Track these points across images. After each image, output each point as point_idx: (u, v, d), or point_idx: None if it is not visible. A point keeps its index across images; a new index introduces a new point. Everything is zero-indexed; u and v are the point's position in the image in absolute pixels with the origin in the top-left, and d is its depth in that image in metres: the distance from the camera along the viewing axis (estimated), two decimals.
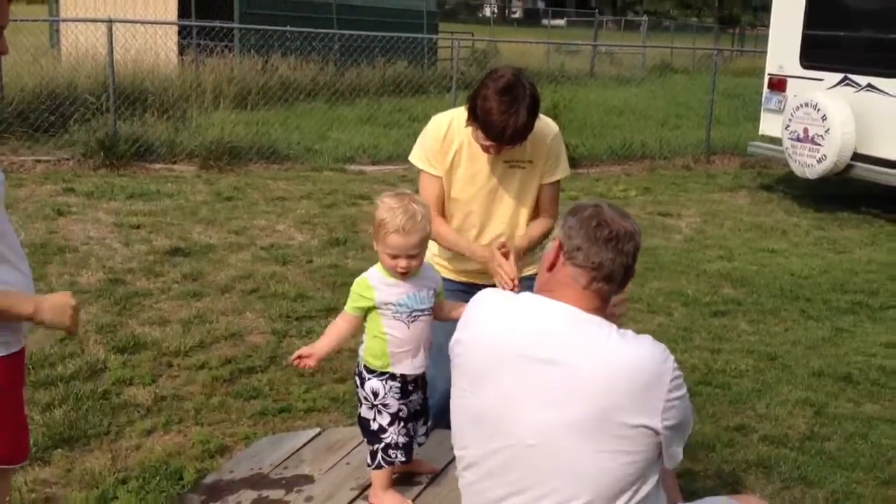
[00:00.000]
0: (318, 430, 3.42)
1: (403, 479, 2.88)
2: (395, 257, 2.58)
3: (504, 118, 2.93)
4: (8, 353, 2.11)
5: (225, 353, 4.83)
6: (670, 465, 2.12)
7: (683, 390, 2.04)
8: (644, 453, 2.00)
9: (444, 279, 2.94)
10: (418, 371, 2.71)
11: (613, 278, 2.10)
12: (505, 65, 3.21)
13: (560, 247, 2.14)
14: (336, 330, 2.71)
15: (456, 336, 2.25)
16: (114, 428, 3.96)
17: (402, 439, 2.73)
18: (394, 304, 2.63)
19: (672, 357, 2.02)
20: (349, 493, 2.91)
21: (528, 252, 3.27)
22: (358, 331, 2.70)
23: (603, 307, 2.12)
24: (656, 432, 1.98)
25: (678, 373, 2.02)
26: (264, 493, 2.90)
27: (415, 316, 2.65)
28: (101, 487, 3.44)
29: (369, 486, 2.88)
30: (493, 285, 2.97)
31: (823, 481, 3.78)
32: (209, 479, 3.06)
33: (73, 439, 3.82)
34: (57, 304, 2.10)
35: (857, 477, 3.83)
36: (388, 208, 2.57)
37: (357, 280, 2.70)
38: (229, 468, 3.12)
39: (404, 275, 2.62)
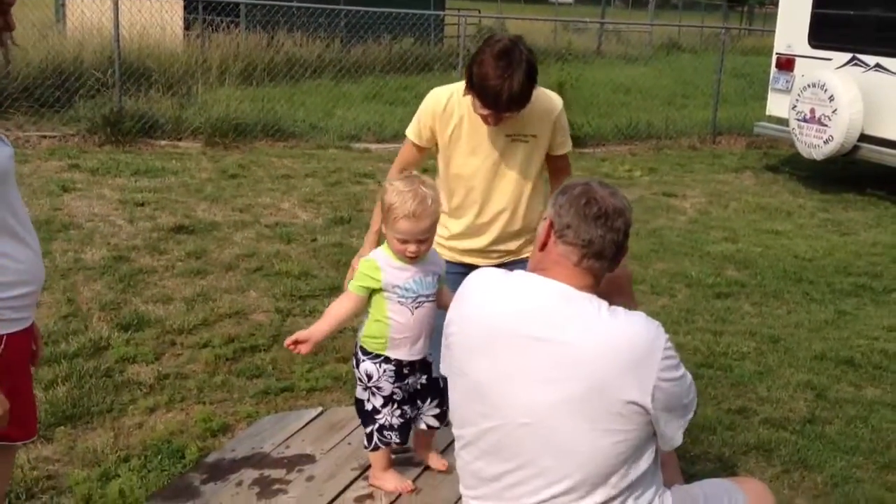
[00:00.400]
0: (319, 409, 3.43)
1: (405, 461, 2.90)
2: (404, 242, 2.57)
3: (499, 83, 2.89)
4: (18, 330, 2.12)
5: (228, 332, 4.85)
6: (666, 448, 2.12)
7: (679, 371, 2.04)
8: (635, 432, 2.00)
9: (446, 262, 2.93)
10: (415, 357, 2.70)
11: (604, 255, 2.11)
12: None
13: (551, 225, 2.15)
14: (337, 310, 2.69)
15: (449, 315, 2.26)
16: (116, 406, 3.98)
17: (395, 421, 2.74)
18: (400, 288, 2.62)
19: (665, 335, 2.03)
20: (350, 472, 2.93)
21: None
22: (361, 311, 2.69)
23: (595, 284, 2.13)
24: (646, 410, 1.98)
25: (671, 352, 2.02)
26: (266, 472, 2.92)
27: (419, 302, 2.63)
28: (102, 465, 3.47)
29: (371, 466, 2.89)
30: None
31: (823, 465, 3.79)
32: (211, 457, 3.08)
33: (76, 417, 3.84)
34: None
35: (857, 461, 3.84)
36: (397, 192, 2.55)
37: (363, 260, 2.69)
38: (231, 447, 3.14)
39: (413, 259, 2.62)
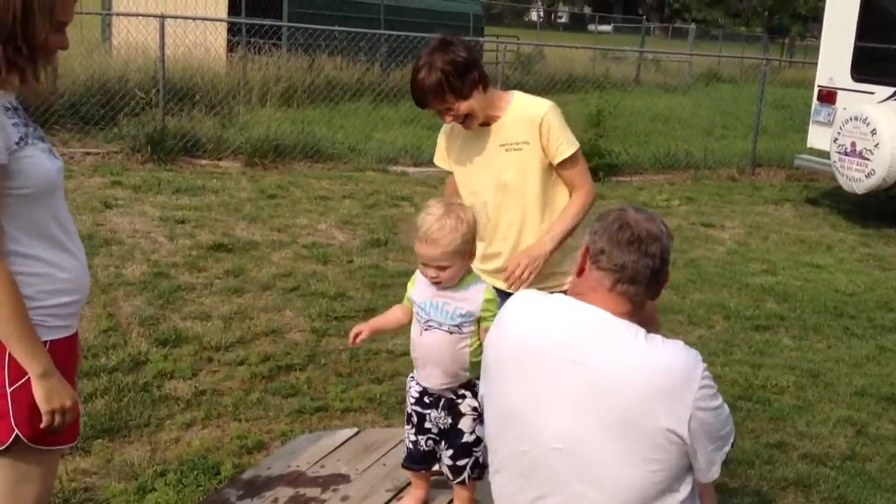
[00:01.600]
0: (355, 429, 3.45)
1: (441, 482, 2.89)
2: (424, 265, 2.58)
3: (414, 78, 2.99)
4: (63, 337, 2.16)
5: (264, 350, 4.88)
6: (703, 480, 2.10)
7: (717, 401, 2.02)
8: (671, 461, 1.98)
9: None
10: (427, 384, 2.69)
11: (638, 280, 2.09)
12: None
13: (587, 251, 2.15)
14: (390, 312, 2.83)
15: (487, 337, 2.29)
16: (154, 420, 4.01)
17: (408, 443, 2.78)
18: (417, 305, 2.66)
19: (703, 364, 2.01)
20: (385, 493, 2.93)
21: (569, 235, 3.16)
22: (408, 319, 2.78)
23: (633, 311, 2.11)
24: (682, 439, 1.96)
25: (709, 381, 2.00)
26: (301, 490, 2.93)
27: (429, 325, 2.63)
28: (139, 479, 3.49)
29: (406, 486, 2.90)
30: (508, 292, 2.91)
31: (863, 502, 3.72)
32: (247, 474, 3.09)
33: (114, 430, 3.88)
34: (61, 390, 2.08)
35: None
36: (426, 213, 2.58)
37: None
38: (267, 464, 3.16)
39: (436, 284, 2.61)
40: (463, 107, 3.01)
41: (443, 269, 2.56)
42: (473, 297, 2.64)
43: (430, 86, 2.95)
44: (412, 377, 2.79)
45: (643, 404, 1.95)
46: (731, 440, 2.11)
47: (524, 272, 3.04)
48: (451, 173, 3.34)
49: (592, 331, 2.06)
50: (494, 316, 2.54)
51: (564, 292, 3.14)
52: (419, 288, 2.68)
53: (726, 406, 2.07)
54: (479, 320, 2.62)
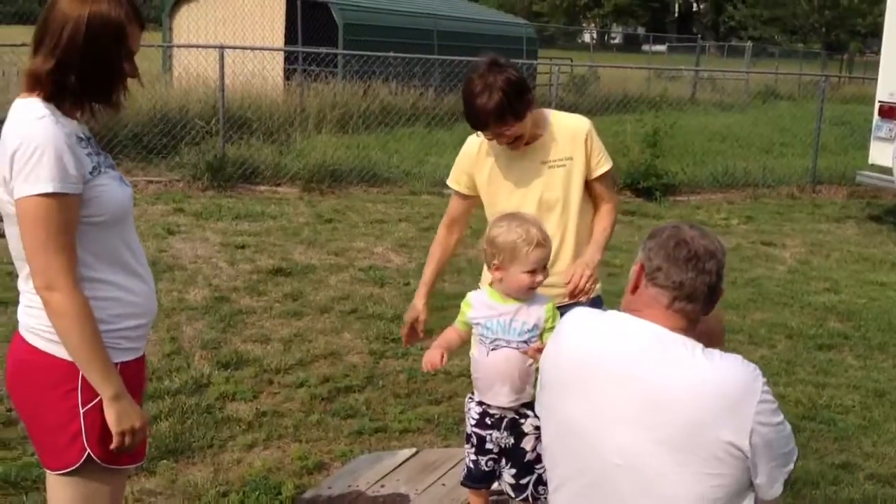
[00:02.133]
0: (414, 450, 3.47)
1: (501, 501, 2.89)
2: (533, 272, 2.63)
3: (477, 100, 2.93)
4: (134, 358, 2.23)
5: (323, 372, 4.93)
6: (765, 498, 2.07)
7: (778, 417, 2.00)
8: (732, 477, 1.96)
9: None
10: (494, 403, 2.70)
11: (696, 297, 2.08)
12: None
13: (642, 268, 2.14)
14: (447, 334, 2.83)
15: (544, 354, 2.28)
16: (217, 441, 4.08)
17: (469, 462, 2.78)
18: (482, 326, 2.67)
19: (763, 378, 1.99)
20: None
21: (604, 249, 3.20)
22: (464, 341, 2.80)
23: (689, 327, 2.11)
24: (744, 453, 1.94)
25: (769, 395, 1.98)
26: None
27: (497, 344, 2.64)
28: (203, 499, 3.55)
29: None
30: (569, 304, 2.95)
31: None
32: (308, 494, 3.13)
33: (178, 451, 3.95)
34: (132, 411, 2.14)
35: None
36: (511, 230, 2.65)
37: (467, 296, 2.78)
38: (328, 484, 3.19)
39: (533, 290, 2.66)
40: (518, 128, 3.01)
41: (544, 268, 2.65)
42: (537, 311, 2.68)
43: (492, 108, 2.92)
44: (470, 398, 2.80)
45: (703, 418, 1.94)
46: (794, 458, 2.09)
47: (587, 282, 3.04)
48: (458, 195, 3.31)
49: (649, 346, 2.06)
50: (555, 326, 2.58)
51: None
52: (480, 310, 2.70)
53: (788, 424, 2.05)
54: (541, 334, 2.65)
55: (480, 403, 2.75)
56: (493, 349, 2.65)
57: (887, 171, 9.61)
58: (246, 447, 4.05)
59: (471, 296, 2.74)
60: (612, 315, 2.19)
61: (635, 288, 2.16)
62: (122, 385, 2.12)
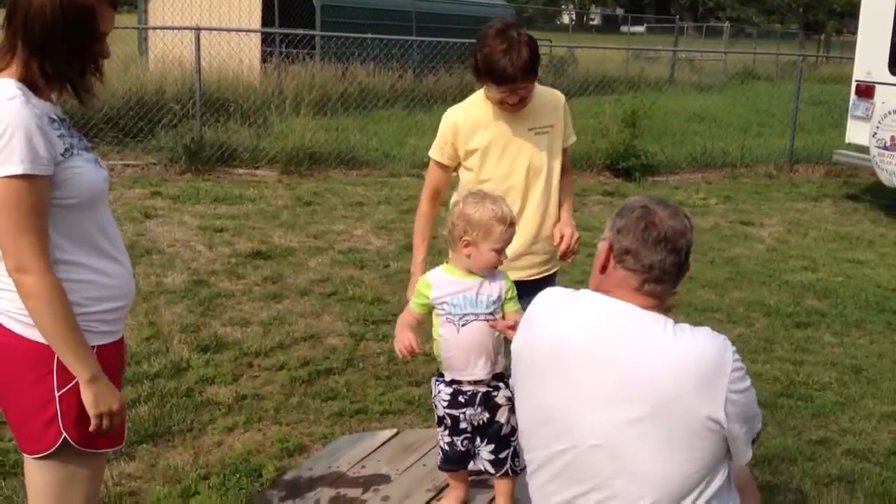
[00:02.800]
0: (395, 430, 3.47)
1: (480, 482, 2.90)
2: (500, 250, 2.68)
3: (504, 56, 3.01)
4: (109, 342, 2.21)
5: (303, 355, 4.92)
6: (739, 463, 2.11)
7: (746, 382, 2.03)
8: (709, 450, 1.99)
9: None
10: (469, 378, 2.71)
11: (665, 278, 2.09)
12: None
13: (610, 248, 2.13)
14: (408, 317, 2.80)
15: (516, 337, 2.27)
16: (196, 425, 4.06)
17: (443, 444, 2.78)
18: (448, 304, 2.68)
19: (732, 347, 2.02)
20: (425, 493, 2.95)
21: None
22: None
23: (659, 305, 2.12)
24: (721, 425, 1.96)
25: (739, 364, 2.01)
26: (342, 490, 2.95)
27: (467, 319, 2.67)
28: (183, 482, 3.54)
29: (445, 486, 2.91)
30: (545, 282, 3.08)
31: None
32: (289, 476, 3.13)
33: (158, 435, 3.94)
34: (109, 394, 2.13)
35: None
36: (483, 207, 2.68)
37: (420, 278, 2.78)
38: (308, 466, 3.19)
39: (496, 267, 2.71)
40: (532, 87, 3.13)
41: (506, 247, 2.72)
42: (498, 283, 2.76)
43: (523, 63, 3.00)
44: (437, 380, 2.79)
45: (678, 394, 1.95)
46: (760, 420, 2.12)
47: (576, 244, 3.24)
48: (440, 166, 3.33)
49: (621, 325, 2.06)
50: (515, 296, 2.72)
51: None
52: (443, 288, 2.71)
53: (753, 387, 2.07)
54: (503, 305, 2.74)
55: (451, 383, 2.74)
56: (463, 325, 2.67)
57: (864, 149, 9.67)
58: (226, 430, 4.04)
59: (430, 277, 2.75)
60: (583, 295, 2.18)
61: (604, 268, 2.16)
62: (98, 367, 2.10)
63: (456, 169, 3.34)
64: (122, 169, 9.56)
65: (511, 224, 2.68)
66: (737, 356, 2.01)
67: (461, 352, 2.70)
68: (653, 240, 2.07)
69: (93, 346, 2.12)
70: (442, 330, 2.72)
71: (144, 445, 3.83)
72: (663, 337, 2.02)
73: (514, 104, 3.13)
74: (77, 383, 2.09)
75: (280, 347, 5.01)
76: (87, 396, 2.09)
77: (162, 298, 5.65)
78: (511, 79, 3.02)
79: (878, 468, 3.91)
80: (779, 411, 4.45)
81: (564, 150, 3.37)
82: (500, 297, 2.72)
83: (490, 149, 3.23)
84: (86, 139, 2.25)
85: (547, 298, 2.24)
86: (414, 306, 2.78)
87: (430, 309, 2.75)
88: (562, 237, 3.23)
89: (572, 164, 3.53)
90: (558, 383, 2.09)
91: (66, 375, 2.09)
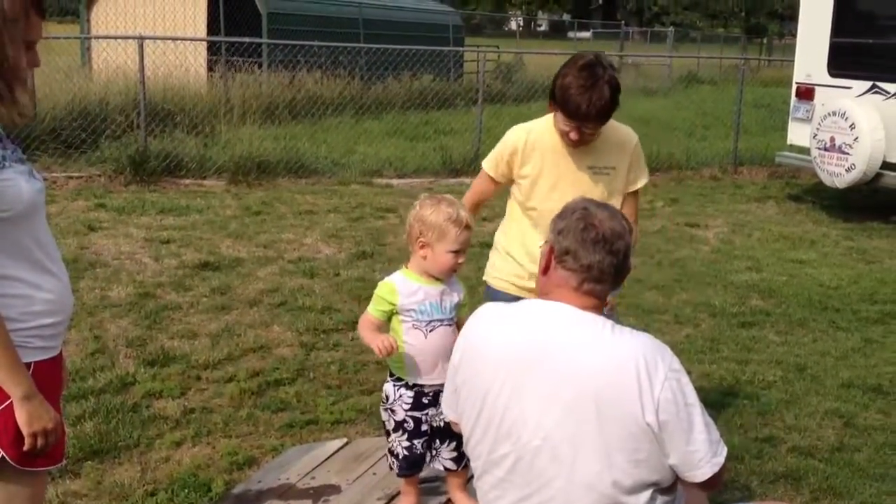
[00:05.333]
0: (345, 440, 3.45)
1: (431, 490, 2.90)
2: (457, 252, 2.69)
3: (583, 93, 2.89)
4: (47, 358, 2.16)
5: (253, 366, 4.87)
6: (690, 479, 2.07)
7: (687, 388, 2.00)
8: (648, 452, 1.99)
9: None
10: (434, 382, 2.73)
11: (604, 278, 2.13)
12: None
13: (552, 250, 2.17)
14: (368, 323, 2.79)
15: (456, 347, 2.29)
16: (143, 440, 4.00)
17: (400, 450, 2.78)
18: (415, 311, 2.69)
19: (670, 352, 2.04)
20: (376, 502, 2.94)
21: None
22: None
23: (599, 305, 2.15)
24: (652, 428, 1.97)
25: (678, 367, 2.02)
26: (291, 502, 2.93)
27: (433, 325, 2.69)
28: (130, 500, 3.48)
29: (396, 495, 2.91)
30: None
31: (853, 493, 3.74)
32: (237, 489, 3.10)
33: (103, 452, 3.86)
34: (42, 412, 2.08)
35: (886, 488, 3.79)
36: (439, 210, 2.69)
37: (381, 283, 2.76)
38: (257, 478, 3.16)
39: (453, 272, 2.73)
40: (599, 130, 3.03)
41: (465, 251, 2.74)
42: (456, 289, 2.81)
43: (601, 106, 2.91)
44: (396, 385, 2.79)
45: (616, 395, 1.97)
46: (717, 442, 2.04)
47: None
48: (490, 179, 3.27)
49: (562, 327, 2.09)
50: (468, 302, 2.77)
51: None
52: (410, 296, 2.71)
53: (698, 402, 2.04)
54: (459, 310, 2.79)
55: (413, 386, 2.75)
56: (430, 330, 2.70)
57: (805, 151, 9.87)
58: (174, 445, 3.98)
59: (395, 284, 2.74)
60: (521, 304, 2.23)
61: (546, 269, 2.19)
62: (32, 385, 2.06)
63: (502, 185, 3.29)
64: (66, 181, 9.40)
65: (467, 227, 2.67)
66: (676, 362, 2.03)
67: (429, 356, 2.72)
68: (591, 240, 2.10)
69: (29, 363, 2.08)
70: (407, 336, 2.72)
71: (90, 462, 3.76)
72: (601, 337, 2.05)
73: (574, 140, 3.03)
74: (12, 401, 2.04)
75: (229, 359, 4.96)
76: (20, 415, 2.05)
77: (107, 312, 5.57)
78: (583, 117, 2.93)
79: (822, 464, 3.98)
80: (725, 410, 4.51)
81: (632, 194, 3.25)
82: (459, 302, 2.78)
83: (540, 179, 3.15)
84: (27, 151, 2.21)
85: (484, 310, 2.28)
86: (375, 312, 2.77)
87: (390, 316, 2.75)
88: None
89: (636, 210, 3.34)
90: (499, 389, 2.11)
91: (1, 394, 2.04)
